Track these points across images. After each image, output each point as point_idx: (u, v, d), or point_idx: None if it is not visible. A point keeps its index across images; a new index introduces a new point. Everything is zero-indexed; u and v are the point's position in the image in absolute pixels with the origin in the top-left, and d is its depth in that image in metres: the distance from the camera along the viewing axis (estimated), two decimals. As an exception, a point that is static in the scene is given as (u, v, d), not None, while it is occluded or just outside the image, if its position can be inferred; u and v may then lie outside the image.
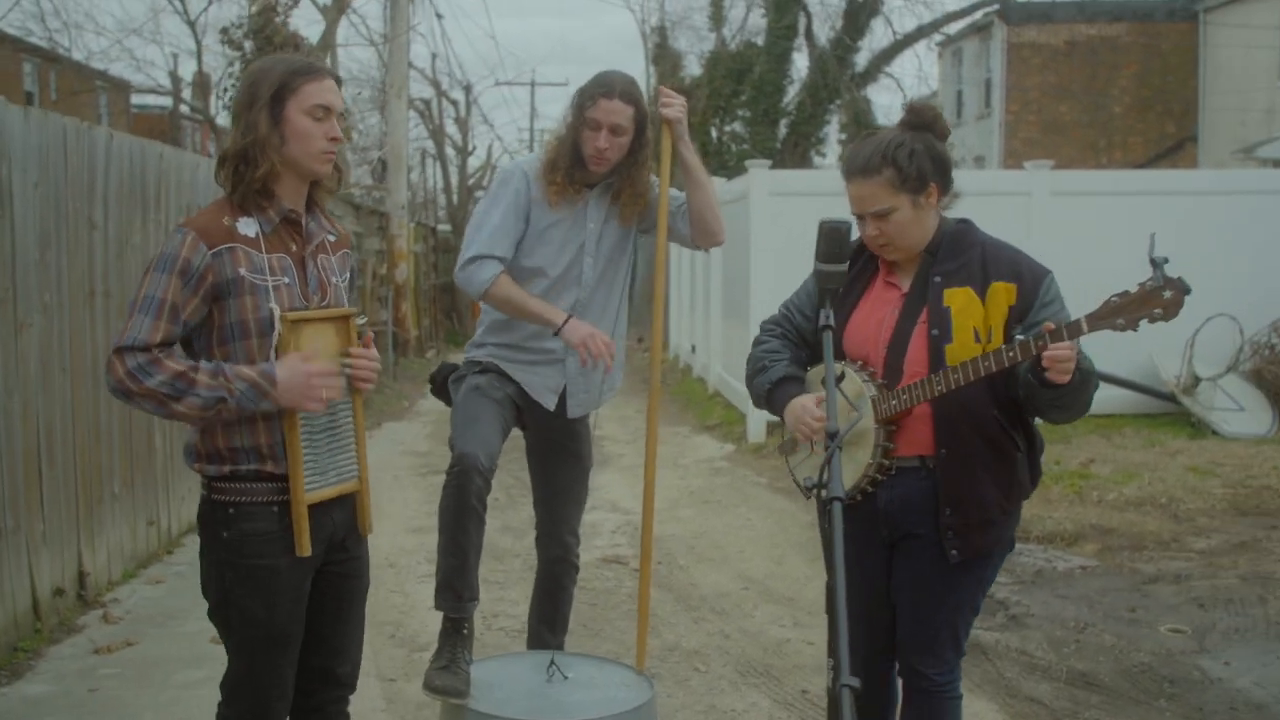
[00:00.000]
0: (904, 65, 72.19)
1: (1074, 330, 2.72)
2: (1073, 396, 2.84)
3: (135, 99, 30.43)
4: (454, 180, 31.26)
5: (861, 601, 3.08)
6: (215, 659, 4.93)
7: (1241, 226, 10.95)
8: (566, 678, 3.55)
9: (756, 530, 7.49)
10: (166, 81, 23.83)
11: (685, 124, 3.88)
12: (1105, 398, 11.07)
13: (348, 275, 2.96)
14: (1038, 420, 3.07)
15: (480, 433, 3.67)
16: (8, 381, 4.88)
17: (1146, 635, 5.52)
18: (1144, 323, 2.73)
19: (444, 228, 29.02)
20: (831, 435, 2.27)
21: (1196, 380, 10.54)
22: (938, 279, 2.98)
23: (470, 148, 32.04)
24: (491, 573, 6.46)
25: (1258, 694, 4.82)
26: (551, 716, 3.32)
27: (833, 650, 2.12)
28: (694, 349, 15.78)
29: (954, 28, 27.64)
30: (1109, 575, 6.53)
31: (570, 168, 3.80)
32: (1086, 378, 2.81)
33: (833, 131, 26.43)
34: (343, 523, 2.89)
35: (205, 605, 5.58)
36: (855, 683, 2.00)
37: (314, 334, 2.76)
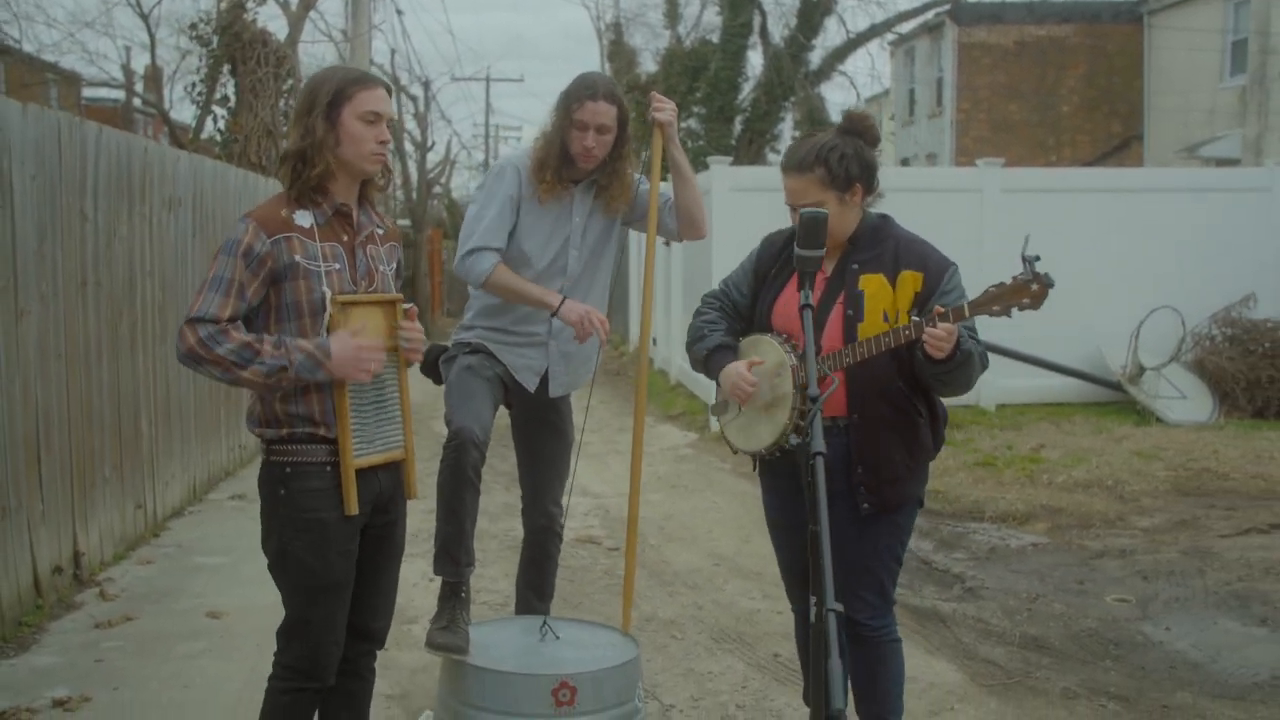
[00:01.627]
0: (857, 63, 73.06)
1: (957, 314, 3.12)
2: (952, 374, 3.23)
3: (87, 92, 30.19)
4: (413, 175, 31.35)
5: (796, 544, 3.44)
6: (213, 633, 5.19)
7: (1185, 222, 11.41)
8: (558, 638, 3.81)
9: (723, 512, 7.78)
10: (119, 75, 23.78)
11: (675, 126, 4.16)
12: (1056, 386, 11.55)
13: (394, 265, 3.26)
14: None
15: (474, 409, 3.93)
16: (9, 367, 5.07)
17: (1093, 604, 5.86)
18: (1015, 310, 3.12)
19: (403, 222, 29.10)
20: (813, 399, 2.55)
21: (1142, 370, 10.96)
22: (855, 266, 3.39)
23: (429, 143, 32.13)
24: (471, 553, 6.70)
25: (1194, 655, 5.17)
26: (546, 670, 3.56)
27: (815, 588, 2.39)
28: (655, 341, 16.06)
29: (906, 27, 28.08)
30: (1058, 551, 6.88)
31: (559, 166, 4.08)
32: (966, 358, 3.19)
33: (787, 129, 26.68)
34: (388, 486, 3.18)
35: (195, 583, 5.80)
36: (839, 607, 2.28)
37: (362, 315, 3.06)
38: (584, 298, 4.19)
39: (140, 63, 24.96)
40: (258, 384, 2.91)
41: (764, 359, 3.41)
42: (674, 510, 7.88)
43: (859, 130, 3.45)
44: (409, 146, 30.56)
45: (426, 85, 30.63)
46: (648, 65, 28.74)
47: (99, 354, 6.09)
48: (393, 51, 36.84)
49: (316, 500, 3.00)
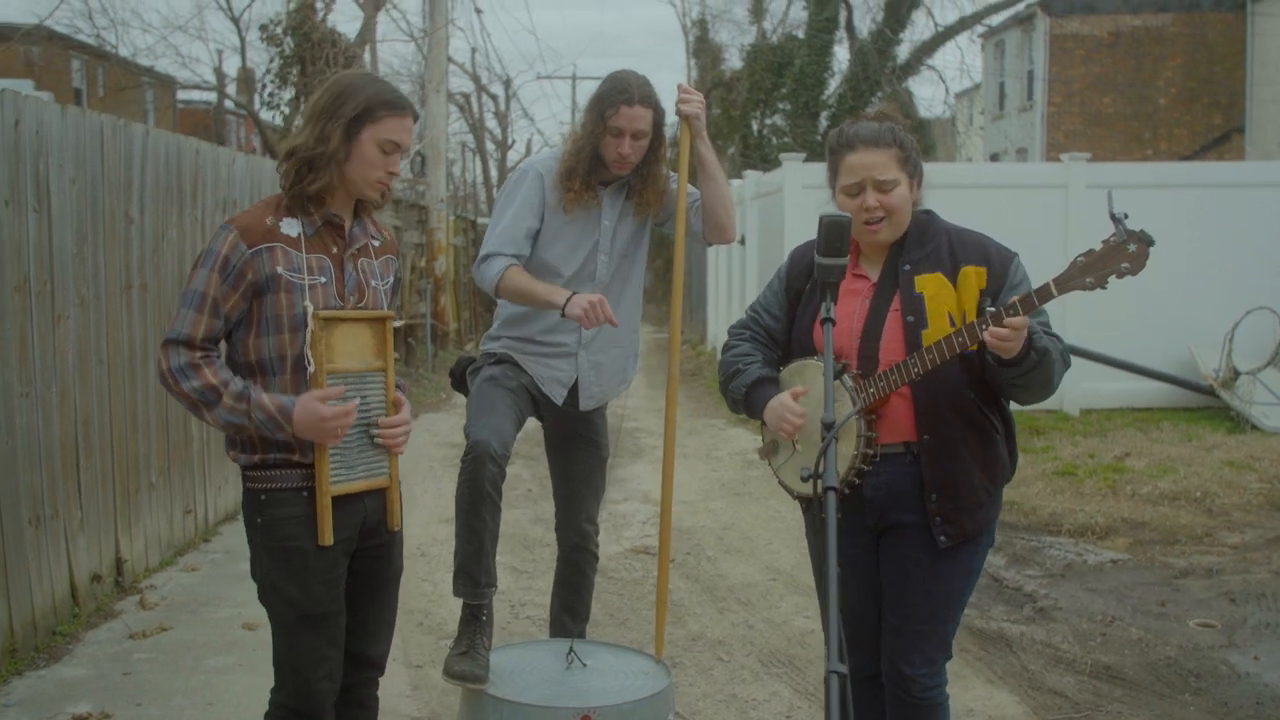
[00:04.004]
0: (945, 57, 71.70)
1: (1043, 295, 2.74)
2: (1028, 376, 2.85)
3: (181, 95, 30.77)
4: (494, 174, 31.42)
5: (851, 594, 3.11)
6: (245, 645, 5.06)
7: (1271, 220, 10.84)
8: (585, 665, 3.59)
9: (786, 522, 7.51)
10: (211, 77, 24.16)
11: (703, 120, 3.92)
12: (1143, 390, 11.06)
13: (390, 280, 3.05)
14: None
15: (493, 421, 3.73)
16: (45, 372, 5.00)
17: (1174, 629, 5.49)
18: (1113, 279, 2.73)
19: (484, 220, 29.15)
20: (827, 426, 2.30)
21: (1236, 374, 10.44)
22: (907, 267, 3.02)
23: (510, 141, 32.20)
24: (522, 562, 6.54)
25: (1284, 689, 4.80)
26: (568, 703, 3.35)
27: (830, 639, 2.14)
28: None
29: (996, 19, 27.42)
30: (1140, 569, 6.50)
31: (588, 173, 3.86)
32: (1043, 357, 2.82)
33: (875, 125, 26.19)
34: (375, 509, 2.99)
35: (238, 591, 5.69)
36: (843, 669, 2.03)
37: (347, 333, 2.86)
38: (616, 305, 3.96)
39: (232, 65, 25.33)
40: (215, 426, 2.77)
41: (815, 386, 3.06)
42: (735, 519, 7.63)
43: (900, 122, 3.13)
44: (490, 145, 30.62)
45: (507, 83, 30.64)
46: (733, 61, 28.49)
47: (145, 358, 6.02)
48: (473, 50, 37.05)
49: (294, 528, 2.82)
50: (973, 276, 3.01)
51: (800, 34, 25.95)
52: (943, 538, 3.01)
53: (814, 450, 3.06)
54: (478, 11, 30.76)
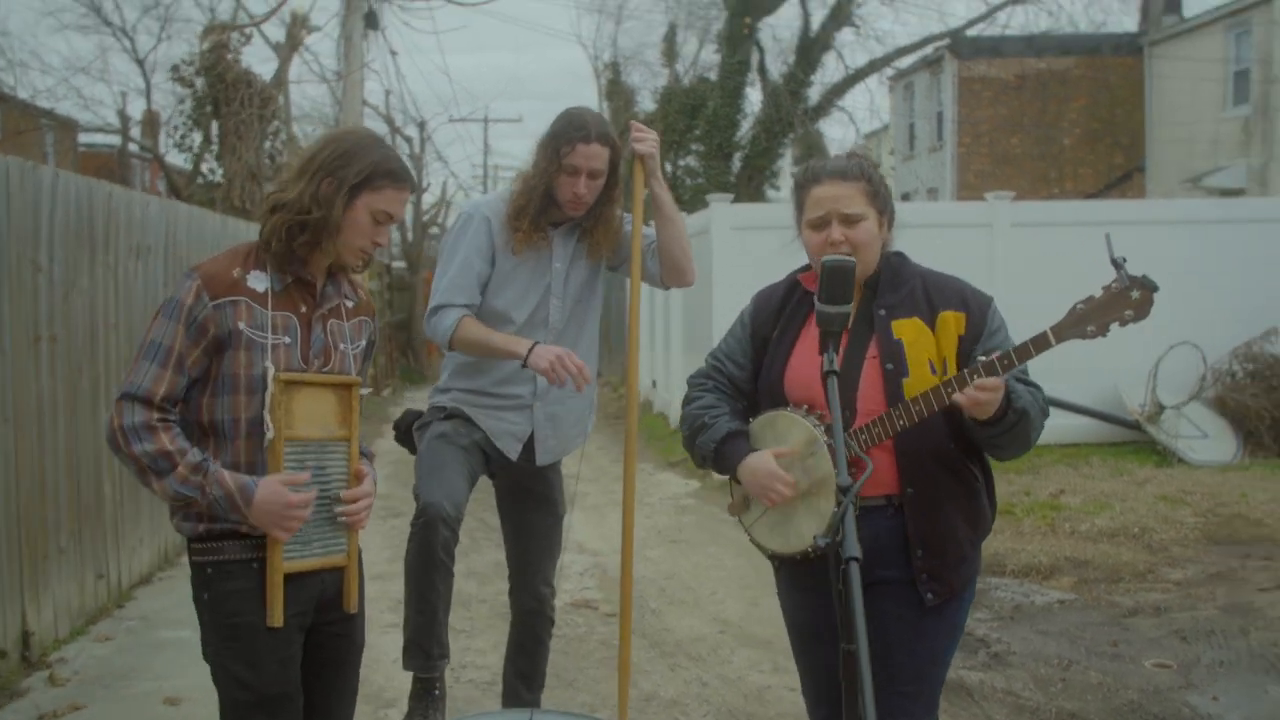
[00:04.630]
0: (856, 99, 73.02)
1: (1040, 345, 2.64)
2: (1007, 435, 2.74)
3: (83, 138, 29.98)
4: (409, 217, 31.04)
5: (827, 656, 2.93)
6: (168, 724, 4.72)
7: (1201, 255, 10.99)
8: (547, 738, 3.37)
9: (728, 570, 7.32)
10: (114, 120, 23.55)
11: (658, 159, 3.76)
12: (1071, 426, 11.09)
13: (362, 343, 2.84)
14: None
15: (445, 481, 3.50)
16: (-53, 432, 4.64)
17: (1131, 671, 5.40)
18: (1115, 327, 2.65)
19: (399, 264, 28.77)
20: (843, 490, 2.12)
21: (1161, 408, 10.53)
22: (882, 312, 2.89)
23: (425, 184, 31.85)
24: (457, 620, 6.19)
25: (1248, 731, 4.72)
26: (533, 780, 3.13)
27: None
28: (655, 384, 15.65)
29: (905, 62, 27.89)
30: (1087, 609, 6.43)
31: (539, 214, 3.67)
32: (1020, 417, 2.71)
33: (786, 165, 26.54)
34: (333, 583, 2.75)
35: (156, 661, 5.33)
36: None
37: (310, 398, 2.64)
38: (570, 350, 3.77)
39: (137, 108, 24.74)
40: (162, 498, 2.52)
41: (788, 441, 2.91)
42: (675, 569, 7.42)
43: (870, 163, 3.03)
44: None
45: (422, 126, 30.34)
46: (645, 104, 28.51)
47: (54, 415, 5.66)
48: (387, 92, 36.66)
49: (243, 603, 2.58)
50: (951, 322, 2.88)
51: (712, 76, 26.12)
52: (929, 595, 2.86)
53: (790, 504, 2.90)
54: (392, 54, 30.50)
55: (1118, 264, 2.61)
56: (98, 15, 18.59)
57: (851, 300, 2.39)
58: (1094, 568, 7.11)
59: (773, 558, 3.05)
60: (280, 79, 12.91)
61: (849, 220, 2.87)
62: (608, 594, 6.76)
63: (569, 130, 3.65)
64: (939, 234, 10.70)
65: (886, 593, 2.88)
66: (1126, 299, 2.62)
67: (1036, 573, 7.06)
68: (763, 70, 25.80)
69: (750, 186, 24.87)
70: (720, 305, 10.66)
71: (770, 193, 25.70)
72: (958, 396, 2.63)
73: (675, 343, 13.55)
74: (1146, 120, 26.19)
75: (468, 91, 65.88)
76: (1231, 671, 5.41)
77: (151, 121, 21.86)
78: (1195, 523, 8.03)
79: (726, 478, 3.08)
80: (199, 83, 11.35)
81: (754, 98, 25.76)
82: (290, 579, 2.61)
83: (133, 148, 23.16)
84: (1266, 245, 11.18)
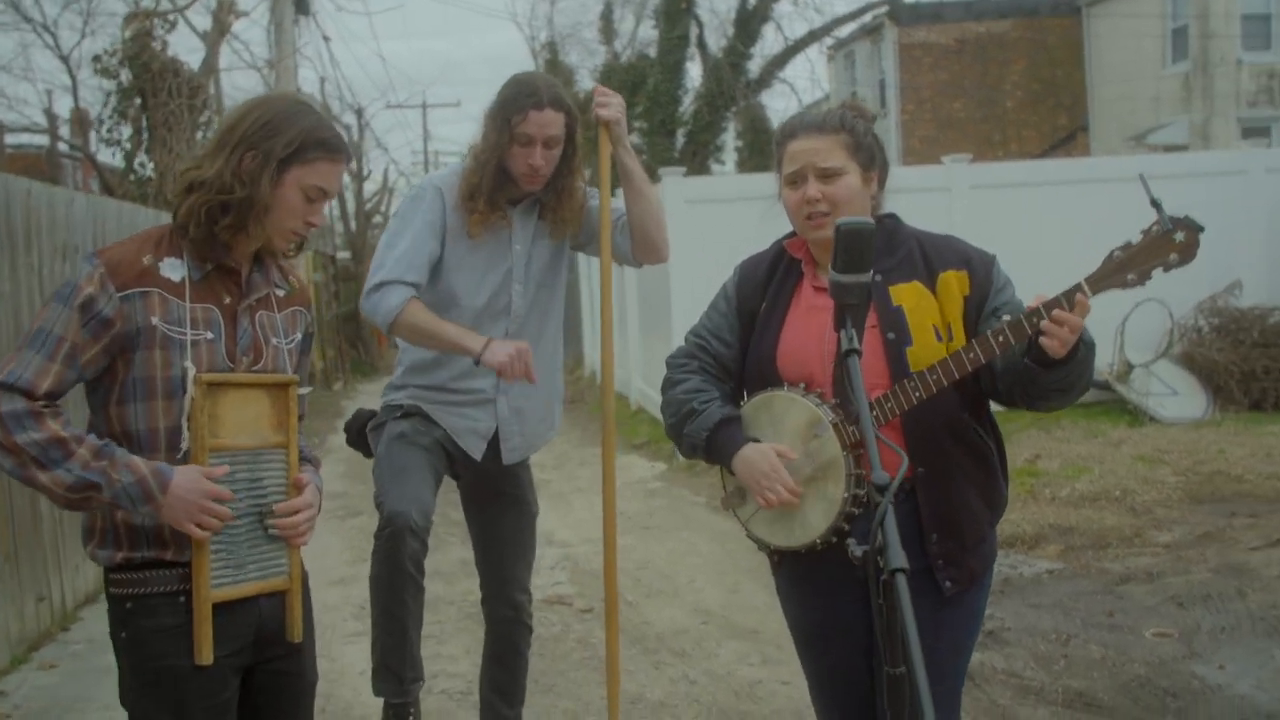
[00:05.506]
0: (797, 70, 72.92)
1: (1074, 297, 2.39)
2: (1079, 372, 2.49)
3: (10, 139, 29.10)
4: (350, 206, 30.49)
5: (837, 657, 2.72)
6: (119, 761, 4.36)
7: (1167, 210, 10.82)
8: (534, 759, 3.06)
9: (703, 555, 7.05)
10: (41, 119, 22.81)
11: (624, 125, 3.45)
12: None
13: (297, 336, 2.48)
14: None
15: (410, 487, 3.19)
16: None
17: (1133, 642, 5.20)
18: (1158, 273, 2.44)
19: (343, 255, 28.24)
20: (881, 488, 1.83)
21: (1130, 367, 10.39)
22: (878, 277, 2.61)
23: (365, 172, 31.29)
24: (427, 624, 5.89)
25: (1263, 700, 4.53)
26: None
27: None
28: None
29: (844, 31, 27.66)
30: (1078, 578, 6.23)
31: (494, 191, 3.34)
32: (1089, 349, 2.49)
33: (730, 139, 26.33)
34: (273, 612, 2.40)
35: (105, 690, 4.96)
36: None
37: (238, 401, 2.29)
38: (536, 340, 3.45)
39: (64, 106, 23.97)
40: (55, 496, 2.15)
41: (786, 423, 2.63)
42: (649, 556, 7.13)
43: (861, 113, 2.76)
44: (344, 177, 29.72)
45: (359, 113, 29.75)
46: (585, 83, 28.12)
47: (-20, 429, 5.25)
48: (322, 79, 35.91)
49: (166, 644, 2.24)
50: (954, 282, 2.63)
51: (652, 53, 25.81)
52: (948, 583, 2.61)
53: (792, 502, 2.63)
54: (325, 39, 29.76)
55: (1158, 205, 2.36)
56: (16, 11, 17.86)
57: (870, 268, 2.09)
58: (1080, 534, 6.92)
59: (774, 553, 2.77)
60: (210, 67, 12.40)
61: (826, 175, 2.62)
62: (581, 588, 6.47)
63: (519, 97, 3.32)
64: (897, 199, 10.35)
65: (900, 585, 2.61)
66: (1170, 242, 2.40)
67: (1021, 542, 6.85)
68: (702, 44, 25.51)
69: (695, 162, 24.59)
70: (678, 282, 10.38)
71: (715, 167, 25.47)
72: (1051, 323, 2.37)
73: (631, 322, 13.25)
74: (1087, 80, 26.24)
75: (405, 75, 65.03)
76: (1234, 637, 5.22)
77: (80, 120, 21.16)
78: (1176, 482, 7.87)
79: (727, 486, 2.80)
80: (123, 74, 10.85)
81: (694, 72, 25.51)
82: (221, 610, 2.26)
83: (62, 147, 22.42)
84: (1227, 198, 11.05)
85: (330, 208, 31.17)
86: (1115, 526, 7.00)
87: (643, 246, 3.53)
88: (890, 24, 26.59)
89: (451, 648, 5.48)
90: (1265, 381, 10.10)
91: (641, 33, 27.77)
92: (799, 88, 58.00)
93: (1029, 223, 9.97)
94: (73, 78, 18.45)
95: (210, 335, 2.28)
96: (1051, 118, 26.85)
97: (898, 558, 1.75)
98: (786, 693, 4.68)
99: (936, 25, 26.51)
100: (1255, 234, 10.97)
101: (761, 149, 26.27)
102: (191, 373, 2.21)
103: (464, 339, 3.25)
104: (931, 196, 10.70)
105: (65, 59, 18.13)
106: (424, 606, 3.28)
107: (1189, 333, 10.65)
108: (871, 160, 2.69)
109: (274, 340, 2.40)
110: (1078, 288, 2.41)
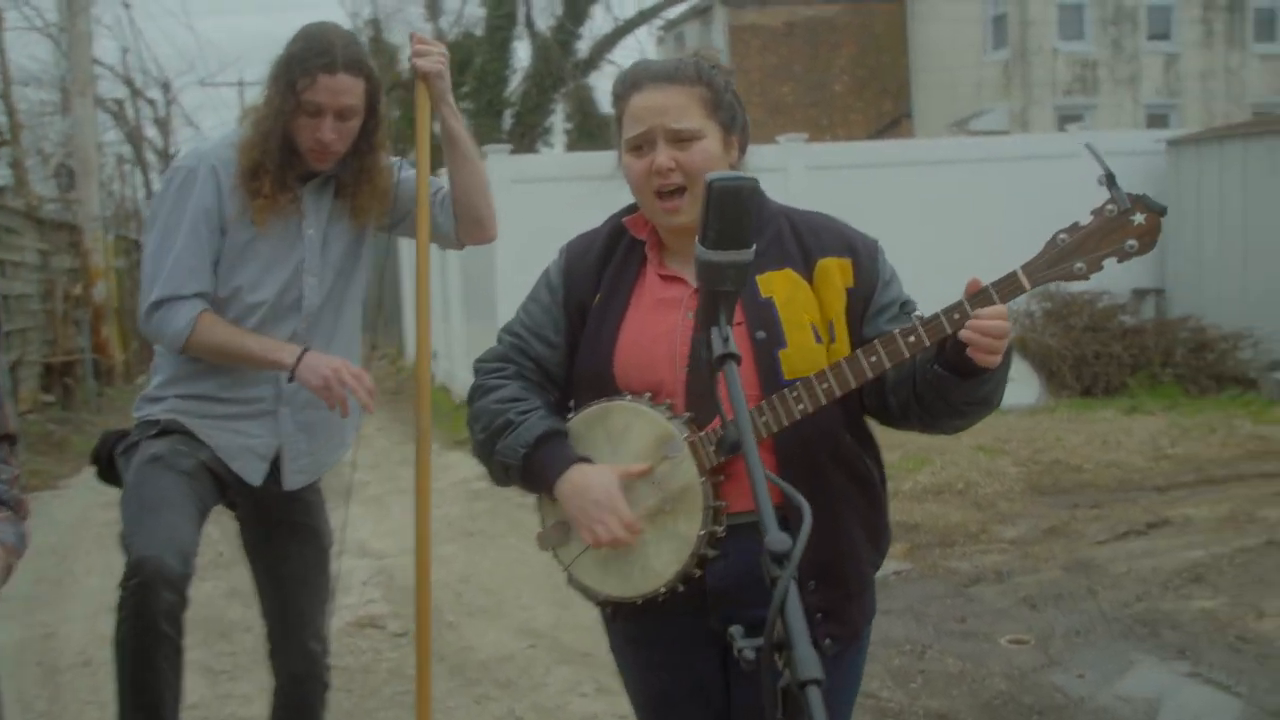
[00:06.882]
0: (626, 51, 72.77)
1: (1009, 289, 1.99)
2: (996, 385, 2.07)
3: None
4: (156, 186, 28.85)
5: None
6: None
7: (996, 193, 10.80)
8: None
9: (532, 566, 6.50)
10: None
11: (447, 79, 2.89)
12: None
13: None
14: None
15: (165, 525, 2.57)
16: None
17: (989, 651, 4.90)
18: (1112, 262, 2.00)
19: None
20: (779, 557, 1.34)
21: (965, 352, 10.29)
22: None
23: (173, 151, 29.63)
24: (217, 658, 5.23)
25: (1126, 712, 4.27)
26: None
27: None
28: (435, 354, 14.67)
29: (674, 12, 27.48)
30: (926, 579, 5.94)
31: (280, 168, 2.74)
32: (1009, 356, 2.05)
33: (558, 121, 25.92)
34: None
35: None
36: None
37: None
38: (329, 337, 2.87)
39: None
40: None
41: (627, 442, 2.13)
42: (472, 568, 6.55)
43: (716, 64, 2.24)
44: (151, 156, 28.05)
45: (166, 87, 28.12)
46: (409, 64, 27.26)
47: None
48: (125, 50, 33.75)
49: None
50: (835, 272, 2.16)
51: (479, 32, 25.15)
52: (828, 640, 2.13)
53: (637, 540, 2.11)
54: (125, 5, 27.91)
55: (1110, 181, 1.93)
56: None
57: (751, 242, 1.60)
58: (925, 531, 6.65)
59: (604, 604, 2.25)
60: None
61: (679, 139, 2.12)
62: (396, 607, 5.84)
63: (308, 55, 2.72)
64: (732, 181, 10.15)
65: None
66: (1126, 225, 1.96)
67: (866, 541, 6.53)
68: (530, 23, 24.98)
69: (523, 143, 24.06)
70: (504, 266, 9.85)
71: (544, 149, 24.98)
72: (966, 331, 1.93)
73: (456, 309, 12.62)
74: (911, 66, 26.61)
75: (217, 49, 62.22)
76: (1089, 641, 4.98)
77: None
78: (1018, 473, 7.72)
79: (545, 520, 2.27)
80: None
81: (522, 52, 24.99)
82: None
83: None
84: (1057, 182, 11.04)
85: (134, 189, 29.41)
86: (960, 522, 6.77)
87: (468, 223, 2.99)
88: (720, 6, 26.49)
89: (245, 685, 4.81)
90: (1096, 367, 10.11)
91: (468, 10, 27.04)
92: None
93: (868, 204, 9.69)
94: None
95: None
96: (877, 103, 27.18)
97: (809, 664, 1.25)
98: (624, 728, 4.19)
99: (766, 8, 26.54)
100: (1085, 216, 11.00)
101: (591, 132, 25.85)
102: None
103: (272, 353, 2.71)
104: (769, 177, 10.20)
105: None
106: (183, 674, 2.66)
107: (1021, 318, 10.60)
108: (733, 120, 2.20)
109: None
110: (1012, 278, 1.97)
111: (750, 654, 1.32)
